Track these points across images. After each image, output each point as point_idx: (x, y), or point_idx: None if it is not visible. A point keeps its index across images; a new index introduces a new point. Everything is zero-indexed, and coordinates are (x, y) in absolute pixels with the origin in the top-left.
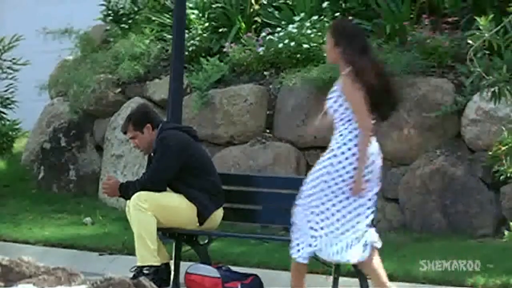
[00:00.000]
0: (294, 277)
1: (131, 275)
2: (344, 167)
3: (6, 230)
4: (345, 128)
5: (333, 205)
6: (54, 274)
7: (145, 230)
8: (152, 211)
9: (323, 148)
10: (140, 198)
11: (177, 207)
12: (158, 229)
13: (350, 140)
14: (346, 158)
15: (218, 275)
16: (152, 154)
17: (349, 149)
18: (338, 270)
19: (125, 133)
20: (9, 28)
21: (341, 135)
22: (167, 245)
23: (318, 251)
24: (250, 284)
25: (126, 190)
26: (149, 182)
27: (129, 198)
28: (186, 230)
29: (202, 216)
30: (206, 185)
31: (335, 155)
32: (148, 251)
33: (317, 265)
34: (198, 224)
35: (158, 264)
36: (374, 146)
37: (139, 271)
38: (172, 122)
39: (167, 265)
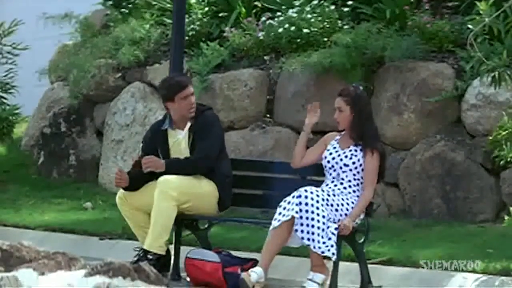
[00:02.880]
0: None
1: (134, 255)
2: None
3: (7, 215)
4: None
5: None
6: (54, 259)
7: (163, 220)
8: (178, 200)
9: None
10: (170, 185)
11: (204, 195)
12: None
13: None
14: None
15: (218, 260)
16: (145, 141)
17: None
18: (338, 254)
19: (188, 85)
20: (9, 13)
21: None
22: None
23: None
24: (250, 269)
25: (172, 166)
26: (204, 159)
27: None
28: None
29: (223, 205)
30: (229, 170)
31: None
32: (159, 240)
33: None
34: (216, 212)
35: (163, 253)
36: None
37: (143, 254)
38: None
39: (167, 250)
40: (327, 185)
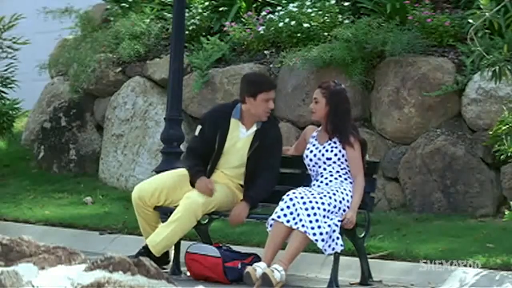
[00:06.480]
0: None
1: (135, 252)
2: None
3: (7, 210)
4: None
5: None
6: (54, 253)
7: (181, 233)
8: (199, 216)
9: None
10: (200, 208)
11: (225, 203)
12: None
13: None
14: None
15: (219, 255)
16: (208, 122)
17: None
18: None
19: (274, 89)
20: (9, 7)
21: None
22: None
23: None
24: (250, 263)
25: (256, 201)
26: (275, 179)
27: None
28: None
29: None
30: None
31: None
32: (164, 245)
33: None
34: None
35: (158, 256)
36: None
37: (146, 254)
38: (172, 101)
39: None
40: (317, 180)
